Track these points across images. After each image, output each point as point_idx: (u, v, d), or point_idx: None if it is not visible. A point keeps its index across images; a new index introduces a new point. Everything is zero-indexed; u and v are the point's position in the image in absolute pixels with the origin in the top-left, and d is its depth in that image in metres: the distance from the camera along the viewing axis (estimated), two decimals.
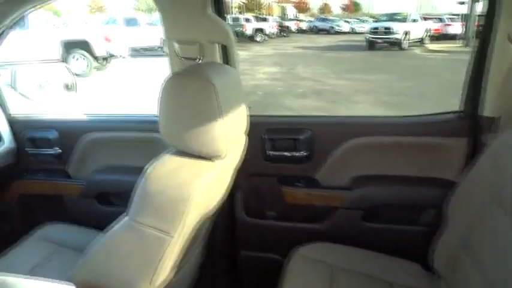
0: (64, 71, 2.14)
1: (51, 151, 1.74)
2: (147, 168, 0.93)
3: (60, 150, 1.74)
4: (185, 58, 1.38)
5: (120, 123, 1.72)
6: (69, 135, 1.73)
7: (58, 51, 9.52)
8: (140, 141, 1.65)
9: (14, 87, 1.81)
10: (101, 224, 1.14)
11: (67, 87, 2.10)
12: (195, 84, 0.93)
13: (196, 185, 0.91)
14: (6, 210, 1.85)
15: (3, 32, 1.59)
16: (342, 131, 1.50)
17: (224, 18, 1.40)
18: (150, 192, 0.91)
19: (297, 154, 1.52)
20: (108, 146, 1.71)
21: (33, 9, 1.55)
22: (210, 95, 0.91)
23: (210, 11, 1.31)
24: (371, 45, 15.84)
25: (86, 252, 0.99)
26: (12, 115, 1.78)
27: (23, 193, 1.81)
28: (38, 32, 9.47)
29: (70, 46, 9.59)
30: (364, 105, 6.62)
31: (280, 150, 1.53)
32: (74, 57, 9.67)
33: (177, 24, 1.35)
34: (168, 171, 0.94)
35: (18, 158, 1.78)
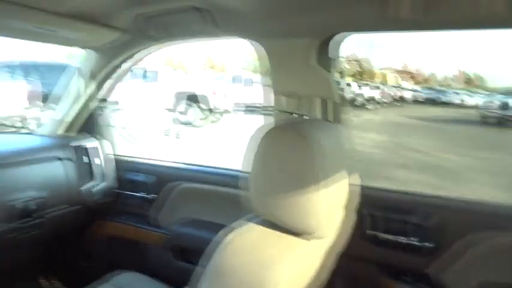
0: (170, 119, 2.18)
1: (143, 195, 1.71)
2: (226, 237, 0.77)
3: (152, 196, 1.69)
4: (286, 112, 1.25)
5: (215, 175, 1.61)
6: (162, 181, 1.68)
7: (172, 102, 10.47)
8: (234, 198, 1.50)
9: (119, 129, 1.89)
10: (178, 280, 1.07)
11: (172, 134, 2.14)
12: (293, 141, 0.78)
13: (280, 267, 0.72)
14: (92, 249, 1.84)
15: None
16: (472, 219, 1.14)
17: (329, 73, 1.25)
18: (224, 268, 0.74)
19: (406, 240, 1.20)
20: (199, 197, 1.61)
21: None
22: (310, 155, 0.76)
23: (314, 62, 1.18)
24: (489, 121, 14.42)
25: None
26: (114, 155, 1.82)
27: (110, 234, 1.79)
28: (162, 84, 10.70)
29: (183, 98, 10.47)
30: (485, 189, 5.62)
31: (384, 232, 1.23)
32: (185, 108, 10.50)
33: (279, 74, 1.25)
34: (248, 244, 0.76)
35: (114, 198, 1.78)
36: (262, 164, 0.81)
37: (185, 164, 1.72)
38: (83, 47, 1.59)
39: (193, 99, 10.30)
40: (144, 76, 10.58)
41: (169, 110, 10.03)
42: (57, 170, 1.60)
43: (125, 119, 1.89)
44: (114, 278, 1.46)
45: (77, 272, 1.88)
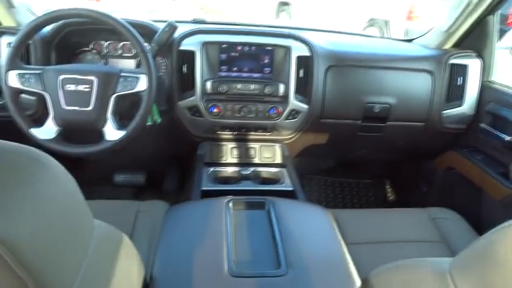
0: None
1: (500, 134, 1.38)
2: None
3: (510, 138, 1.34)
4: None
5: None
6: None
7: None
8: None
9: None
10: None
11: None
12: None
13: None
14: (429, 175, 1.75)
15: None
16: None
17: None
18: (493, 251, 0.50)
19: None
20: None
21: None
22: None
23: None
24: None
25: None
26: (485, 81, 1.52)
27: (450, 166, 1.62)
28: None
29: None
30: None
31: None
32: None
33: None
34: None
35: (468, 128, 1.56)
36: None
37: None
38: None
39: None
40: None
41: None
42: (422, 84, 1.52)
43: None
44: (429, 210, 1.35)
45: (417, 194, 1.87)
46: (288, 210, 1.02)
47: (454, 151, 1.62)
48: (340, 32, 1.82)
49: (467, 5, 1.41)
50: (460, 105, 1.53)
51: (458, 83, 1.52)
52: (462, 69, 1.52)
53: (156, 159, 1.86)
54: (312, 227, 1.00)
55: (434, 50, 1.59)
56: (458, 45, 1.57)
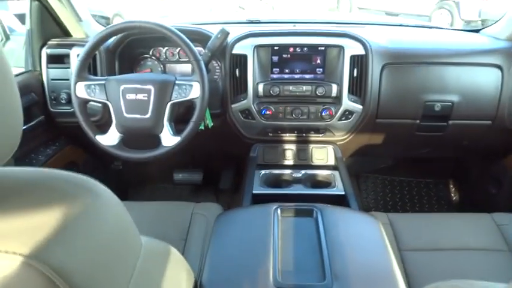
0: None
1: None
2: None
3: None
4: None
5: None
6: None
7: None
8: None
9: None
10: None
11: None
12: None
13: None
14: (500, 176, 1.63)
15: None
16: None
17: None
18: None
19: None
20: None
21: None
22: None
23: None
24: None
25: None
26: None
27: None
28: None
29: None
30: None
31: None
32: None
33: None
34: None
35: None
36: None
37: None
38: None
39: None
40: None
41: None
42: (490, 79, 1.40)
43: None
44: (494, 214, 1.25)
45: (484, 196, 1.75)
46: (336, 218, 1.00)
47: None
48: (399, 25, 1.73)
49: None
50: None
51: None
52: None
53: (212, 159, 1.92)
54: (361, 237, 0.98)
55: (505, 42, 1.45)
56: None
